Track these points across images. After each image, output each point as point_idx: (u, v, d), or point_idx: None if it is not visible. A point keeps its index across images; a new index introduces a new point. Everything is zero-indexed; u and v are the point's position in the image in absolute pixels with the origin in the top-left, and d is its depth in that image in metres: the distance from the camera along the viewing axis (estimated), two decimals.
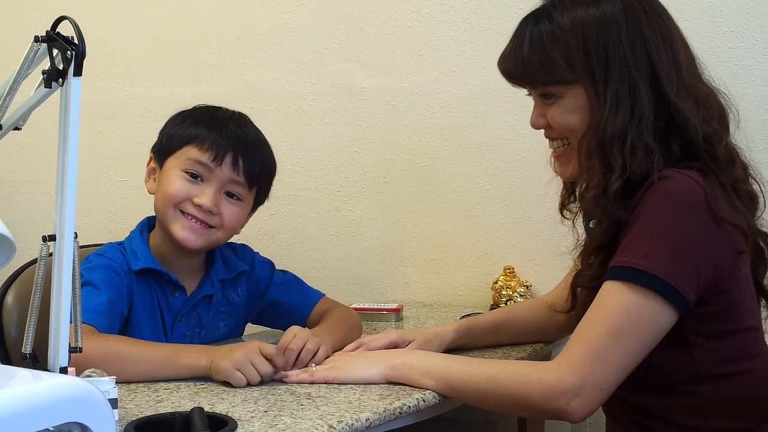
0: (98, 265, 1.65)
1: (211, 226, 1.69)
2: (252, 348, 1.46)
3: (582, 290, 1.49)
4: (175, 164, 1.69)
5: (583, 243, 1.51)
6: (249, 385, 1.43)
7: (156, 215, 1.74)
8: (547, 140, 1.53)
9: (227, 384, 1.44)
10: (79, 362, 1.11)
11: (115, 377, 1.22)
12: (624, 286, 1.32)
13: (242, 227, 1.78)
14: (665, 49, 1.40)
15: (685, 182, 1.34)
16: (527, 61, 1.44)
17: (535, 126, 1.51)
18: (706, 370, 1.38)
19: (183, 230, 1.68)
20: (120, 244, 1.74)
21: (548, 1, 1.46)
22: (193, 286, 1.77)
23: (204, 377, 1.48)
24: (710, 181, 1.35)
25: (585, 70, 1.39)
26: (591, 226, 1.46)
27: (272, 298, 1.86)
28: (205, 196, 1.67)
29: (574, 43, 1.39)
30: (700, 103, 1.40)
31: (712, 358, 1.37)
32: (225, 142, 1.69)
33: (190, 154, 1.68)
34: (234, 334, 1.86)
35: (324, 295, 1.88)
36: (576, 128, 1.43)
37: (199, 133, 1.69)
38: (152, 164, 1.76)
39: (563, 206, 1.59)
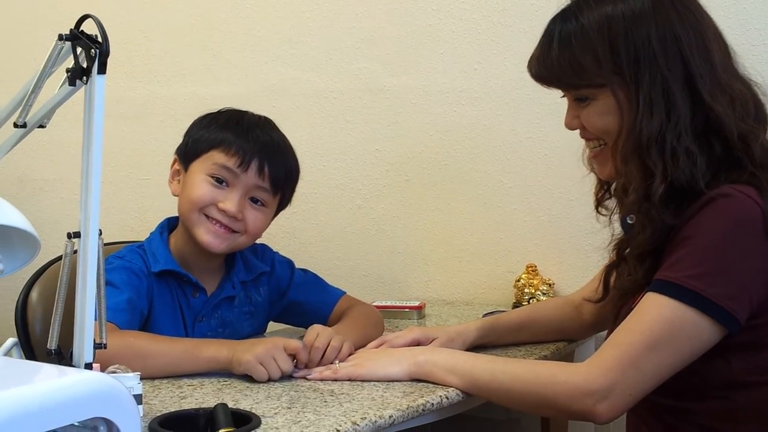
0: (118, 266, 1.66)
1: (235, 231, 1.70)
2: (275, 343, 1.47)
3: (614, 290, 1.48)
4: (201, 168, 1.69)
5: (618, 238, 1.49)
6: (270, 380, 1.44)
7: (180, 217, 1.74)
8: (583, 140, 1.50)
9: (251, 380, 1.44)
10: (100, 359, 1.11)
11: (139, 373, 1.23)
12: (670, 301, 1.30)
13: (263, 231, 1.79)
14: (697, 45, 1.36)
15: (744, 202, 1.30)
16: (556, 64, 1.41)
17: (570, 127, 1.48)
18: (741, 378, 1.35)
19: (207, 234, 1.68)
20: (139, 246, 1.74)
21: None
22: (214, 286, 1.77)
23: (227, 373, 1.48)
24: (767, 197, 1.31)
25: (615, 72, 1.36)
26: (629, 221, 1.42)
27: (293, 298, 1.86)
28: (230, 201, 1.67)
29: (603, 45, 1.36)
30: (736, 101, 1.36)
31: (749, 367, 1.35)
32: (251, 148, 1.68)
33: (215, 158, 1.68)
34: (258, 333, 1.86)
35: (345, 293, 1.88)
36: (611, 130, 1.40)
37: (225, 138, 1.69)
38: (176, 166, 1.76)
39: (599, 203, 1.56)
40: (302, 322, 1.84)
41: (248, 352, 1.45)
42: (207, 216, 1.68)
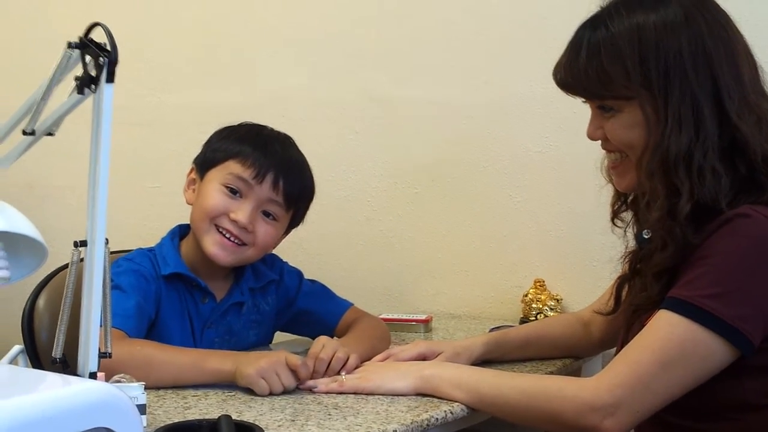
0: (127, 269, 1.67)
1: (244, 244, 1.70)
2: (278, 358, 1.46)
3: (625, 303, 1.47)
4: (216, 177, 1.70)
5: (631, 251, 1.48)
6: (271, 394, 1.43)
7: (191, 225, 1.75)
8: (599, 152, 1.49)
9: (255, 392, 1.44)
10: (106, 366, 1.11)
11: (143, 383, 1.23)
12: (683, 320, 1.28)
13: (273, 248, 1.79)
14: (728, 62, 1.34)
15: (763, 224, 1.29)
16: (583, 73, 1.38)
17: (592, 138, 1.45)
18: (754, 399, 1.33)
19: (214, 245, 1.69)
20: (150, 250, 1.75)
21: (606, 7, 1.40)
22: (223, 293, 1.77)
23: (232, 385, 1.47)
24: None
25: (644, 86, 1.34)
26: (645, 236, 1.41)
27: (301, 307, 1.86)
28: (241, 212, 1.68)
29: (633, 56, 1.34)
30: (763, 121, 1.34)
31: (764, 389, 1.33)
32: (268, 162, 1.69)
33: (231, 168, 1.69)
34: (264, 342, 1.86)
35: (352, 304, 1.88)
36: (635, 144, 1.38)
37: (243, 150, 1.70)
38: (193, 175, 1.77)
39: (615, 215, 1.54)
40: (309, 331, 1.85)
41: (251, 365, 1.44)
42: (217, 227, 1.69)
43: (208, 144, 1.78)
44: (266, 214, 1.72)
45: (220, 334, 1.76)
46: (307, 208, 1.81)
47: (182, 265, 1.72)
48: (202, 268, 1.74)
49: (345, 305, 1.87)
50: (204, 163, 1.75)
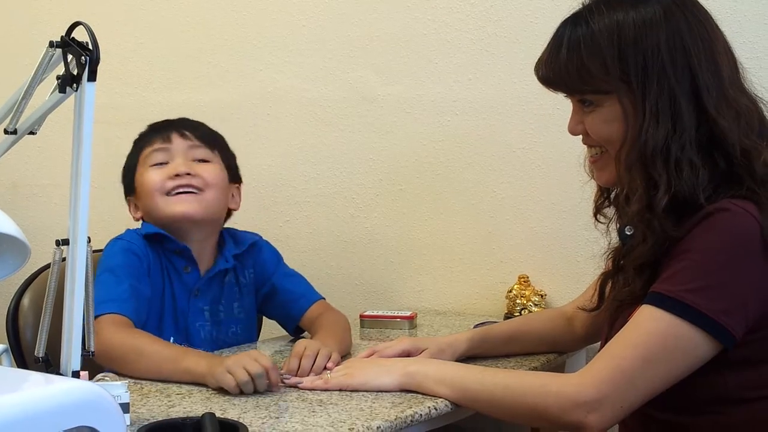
0: (119, 249, 1.74)
1: (199, 189, 1.79)
2: (249, 354, 1.47)
3: (609, 299, 1.48)
4: (142, 170, 1.83)
5: (615, 247, 1.49)
6: (240, 389, 1.41)
7: (150, 217, 1.82)
8: (582, 148, 1.50)
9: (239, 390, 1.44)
10: (100, 352, 1.13)
11: (126, 381, 1.23)
12: (666, 315, 1.29)
13: (238, 200, 1.91)
14: (706, 58, 1.35)
15: (743, 218, 1.30)
16: (564, 68, 1.40)
17: (573, 133, 1.47)
18: (737, 393, 1.34)
19: (178, 205, 1.78)
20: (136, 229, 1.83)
21: (587, 4, 1.42)
22: (208, 265, 1.84)
23: None
24: (765, 212, 1.31)
25: (622, 80, 1.36)
26: (627, 232, 1.42)
27: (276, 284, 1.92)
28: (176, 165, 1.80)
29: (612, 51, 1.36)
30: (741, 116, 1.35)
31: (746, 382, 1.34)
32: (167, 127, 1.85)
33: (146, 153, 1.84)
34: (248, 318, 1.90)
35: (324, 298, 1.92)
36: (614, 138, 1.39)
37: (146, 138, 1.87)
38: (132, 201, 1.88)
39: (598, 211, 1.55)
40: (279, 313, 1.92)
41: (221, 365, 1.44)
42: (169, 193, 1.78)
43: (124, 171, 1.90)
44: (197, 161, 1.82)
45: (208, 303, 1.82)
46: (229, 152, 1.91)
47: (163, 231, 1.80)
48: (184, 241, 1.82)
49: (317, 296, 1.91)
50: (128, 178, 1.87)
